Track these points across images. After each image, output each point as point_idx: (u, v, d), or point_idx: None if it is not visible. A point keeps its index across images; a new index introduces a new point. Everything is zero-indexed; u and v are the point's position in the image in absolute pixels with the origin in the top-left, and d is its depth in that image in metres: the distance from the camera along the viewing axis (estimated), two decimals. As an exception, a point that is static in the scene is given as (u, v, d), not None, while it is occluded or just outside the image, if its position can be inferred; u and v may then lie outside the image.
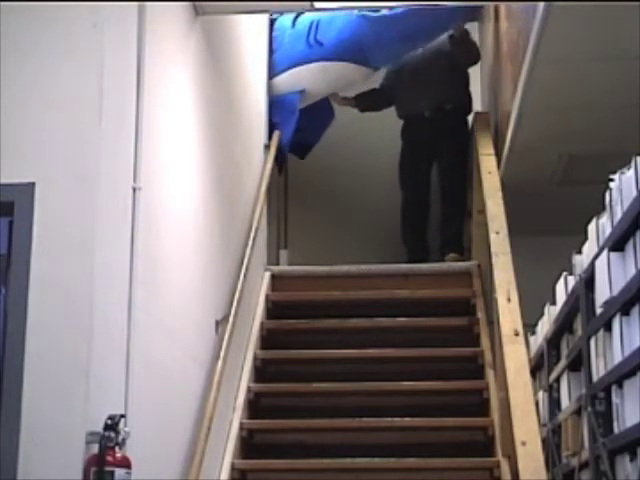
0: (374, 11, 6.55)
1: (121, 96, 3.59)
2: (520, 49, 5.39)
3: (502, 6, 6.40)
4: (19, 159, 3.29)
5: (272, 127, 6.88)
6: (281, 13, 6.88)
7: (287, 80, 6.92)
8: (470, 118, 6.97)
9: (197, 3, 4.66)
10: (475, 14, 7.10)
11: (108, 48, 3.43)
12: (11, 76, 3.33)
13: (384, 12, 6.54)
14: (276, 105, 6.92)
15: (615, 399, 4.08)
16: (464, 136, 6.88)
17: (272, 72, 6.98)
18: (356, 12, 6.58)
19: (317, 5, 4.85)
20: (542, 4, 4.55)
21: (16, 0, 3.37)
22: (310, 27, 6.86)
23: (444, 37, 6.94)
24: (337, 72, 6.84)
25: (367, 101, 7.40)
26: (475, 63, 7.12)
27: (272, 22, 7.09)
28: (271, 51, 7.05)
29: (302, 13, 6.75)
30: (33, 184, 3.26)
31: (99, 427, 3.14)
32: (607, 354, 4.19)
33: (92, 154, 3.30)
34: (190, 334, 4.52)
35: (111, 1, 3.47)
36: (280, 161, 7.15)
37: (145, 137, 3.74)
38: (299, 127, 7.30)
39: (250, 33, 6.37)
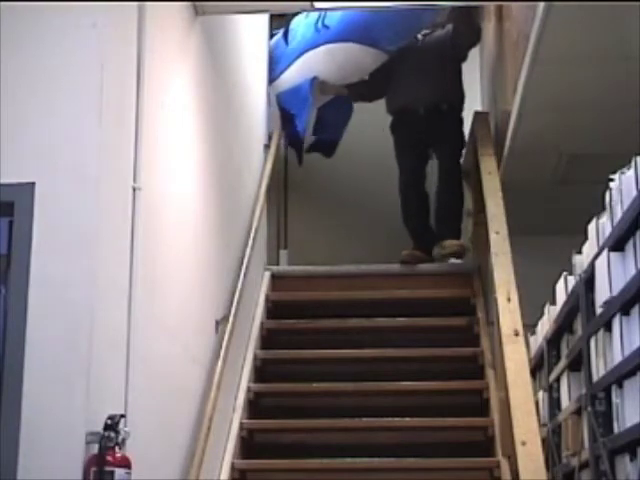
0: None
1: (121, 96, 3.59)
2: (520, 49, 5.39)
3: (503, 6, 6.40)
4: (19, 159, 3.29)
5: (288, 118, 6.81)
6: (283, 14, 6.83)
7: (299, 68, 6.84)
8: (469, 119, 6.91)
9: (197, 3, 4.66)
10: None
11: (108, 48, 3.44)
12: (11, 76, 3.33)
13: None
14: (289, 95, 6.85)
15: (615, 399, 4.08)
16: (458, 140, 6.77)
17: (286, 64, 6.93)
18: None
19: (317, 5, 4.85)
20: (542, 4, 4.56)
21: (16, 0, 3.38)
22: (319, 14, 6.74)
23: (443, 31, 6.83)
24: (343, 54, 6.69)
25: (359, 91, 7.15)
26: (475, 44, 6.91)
27: (292, 16, 7.00)
28: (287, 44, 7.00)
29: None
30: (33, 184, 3.26)
31: (99, 427, 3.13)
32: (607, 354, 4.19)
33: (92, 154, 3.30)
34: (190, 334, 4.52)
35: (111, 1, 3.46)
36: (298, 152, 7.06)
37: (145, 137, 3.73)
38: (322, 125, 7.23)
39: (250, 33, 6.37)
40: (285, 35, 7.09)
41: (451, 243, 6.53)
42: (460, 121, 6.85)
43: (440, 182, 6.83)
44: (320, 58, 6.77)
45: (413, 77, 6.82)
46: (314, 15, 6.81)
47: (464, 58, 6.98)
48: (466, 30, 6.75)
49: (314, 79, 6.79)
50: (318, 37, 6.76)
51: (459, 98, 6.92)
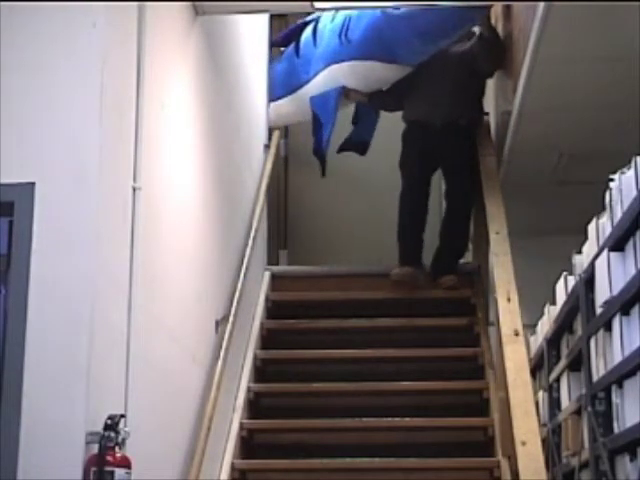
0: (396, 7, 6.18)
1: (121, 96, 3.59)
2: (520, 49, 5.40)
3: (503, 6, 6.39)
4: (19, 159, 3.29)
5: (317, 126, 6.72)
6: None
7: (325, 77, 6.79)
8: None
9: (197, 3, 4.66)
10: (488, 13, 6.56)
11: (108, 48, 3.44)
12: (11, 76, 3.33)
13: (403, 8, 6.15)
14: (319, 100, 6.76)
15: (615, 399, 4.08)
16: (470, 163, 6.46)
17: (315, 69, 6.90)
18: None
19: (317, 5, 4.84)
20: (542, 4, 4.56)
21: (16, 0, 3.38)
22: (343, 23, 6.63)
23: (470, 43, 6.55)
24: (366, 71, 6.57)
25: (380, 100, 6.96)
26: (499, 67, 6.56)
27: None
28: (315, 45, 6.96)
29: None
30: (33, 184, 3.26)
31: (99, 427, 3.14)
32: (607, 354, 4.19)
33: (92, 154, 3.30)
34: (190, 334, 4.52)
35: (111, 1, 3.47)
36: (321, 162, 6.93)
37: (145, 137, 3.74)
38: (358, 121, 7.19)
39: (250, 33, 6.37)
40: (314, 34, 7.02)
41: (445, 280, 6.40)
42: (474, 142, 6.52)
43: (448, 215, 6.59)
44: (345, 72, 6.64)
45: (435, 88, 6.58)
46: (339, 20, 6.69)
47: (490, 75, 6.73)
48: (492, 58, 6.46)
49: (343, 88, 6.73)
50: (342, 51, 6.63)
51: (477, 116, 6.67)
